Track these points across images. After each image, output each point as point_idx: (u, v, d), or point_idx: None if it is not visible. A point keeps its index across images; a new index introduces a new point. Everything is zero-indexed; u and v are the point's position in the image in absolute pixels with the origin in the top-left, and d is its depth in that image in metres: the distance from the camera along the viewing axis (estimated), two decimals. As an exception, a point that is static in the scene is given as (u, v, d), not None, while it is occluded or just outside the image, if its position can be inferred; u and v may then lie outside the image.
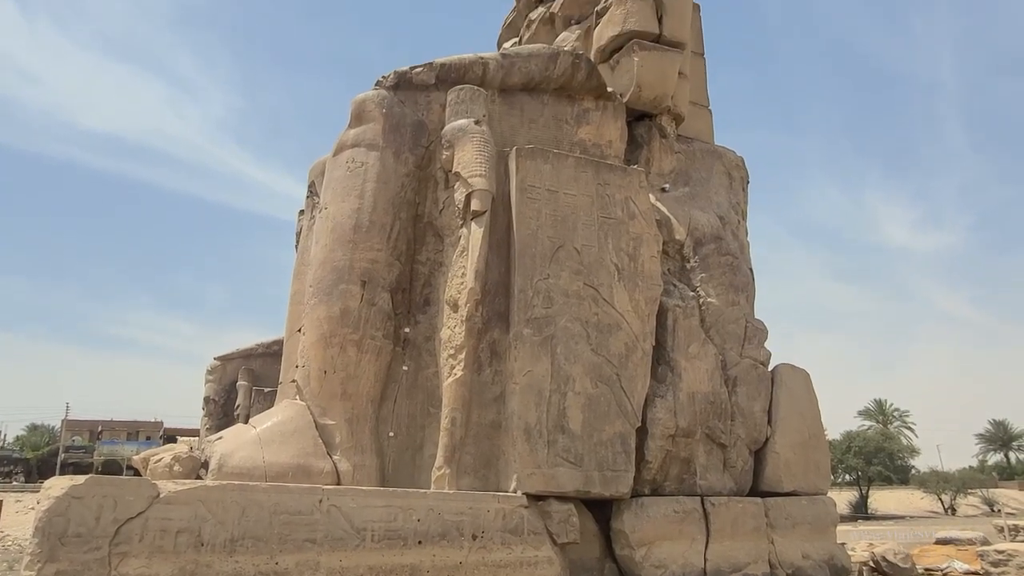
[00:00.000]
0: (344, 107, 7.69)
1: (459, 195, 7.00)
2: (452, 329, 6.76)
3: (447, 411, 6.54)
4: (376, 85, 7.75)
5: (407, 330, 7.12)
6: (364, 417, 6.61)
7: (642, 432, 7.24)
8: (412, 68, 7.85)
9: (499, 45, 12.56)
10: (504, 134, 7.84)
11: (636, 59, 9.11)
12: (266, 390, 10.20)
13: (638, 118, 9.42)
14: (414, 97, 7.74)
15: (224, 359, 11.41)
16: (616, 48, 9.49)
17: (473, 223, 6.84)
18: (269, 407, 8.30)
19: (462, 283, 6.74)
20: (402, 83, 7.75)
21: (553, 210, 7.21)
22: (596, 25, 9.85)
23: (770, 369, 8.64)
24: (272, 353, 10.61)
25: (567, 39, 10.35)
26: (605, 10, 9.70)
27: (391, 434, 6.79)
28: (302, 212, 9.44)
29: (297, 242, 9.26)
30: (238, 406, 10.64)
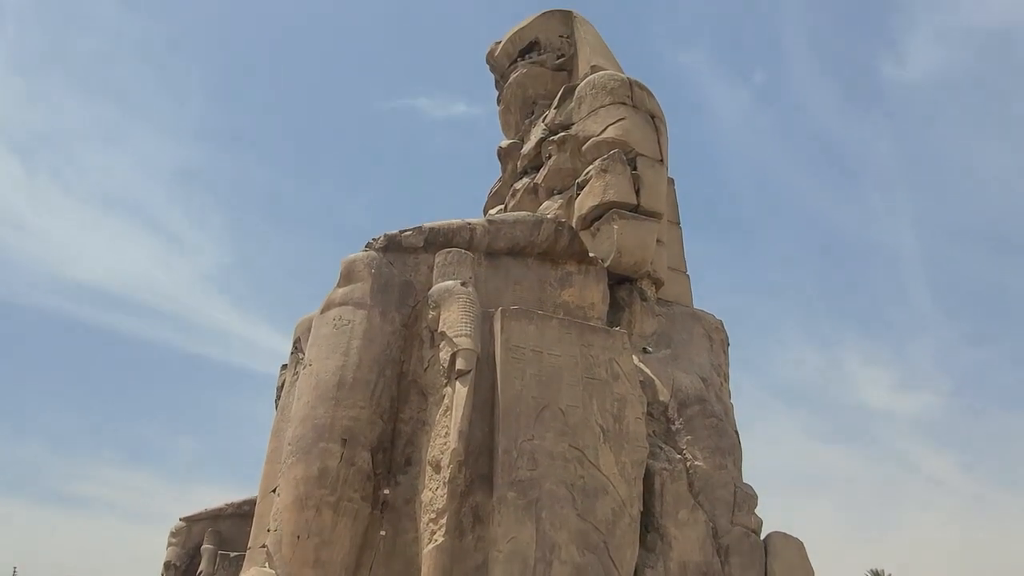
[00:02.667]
0: (331, 265, 7.94)
1: (444, 354, 7.04)
2: (434, 491, 6.55)
3: (426, 581, 6.17)
4: (366, 247, 8.03)
5: (386, 492, 6.89)
6: (337, 588, 6.22)
7: (631, 606, 6.83)
8: (402, 232, 8.18)
9: (485, 212, 13.20)
10: (489, 295, 8.04)
11: (616, 227, 9.60)
12: (233, 555, 9.60)
13: (619, 282, 9.75)
14: (403, 259, 8.01)
15: (190, 520, 10.83)
16: (597, 217, 10.01)
17: (458, 382, 6.83)
18: (235, 574, 7.80)
19: (445, 443, 6.62)
20: (391, 245, 8.04)
21: (538, 370, 7.24)
22: (577, 195, 10.46)
23: (762, 537, 8.34)
24: (242, 514, 10.11)
25: (550, 207, 10.93)
26: (585, 182, 10.34)
27: (364, 607, 6.36)
28: (285, 367, 9.42)
29: (278, 397, 9.16)
30: (201, 572, 9.97)
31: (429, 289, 7.66)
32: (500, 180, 13.35)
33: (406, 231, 8.20)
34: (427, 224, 8.32)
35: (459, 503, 6.48)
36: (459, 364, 6.85)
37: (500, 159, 13.39)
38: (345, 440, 6.68)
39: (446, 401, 6.87)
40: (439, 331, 7.21)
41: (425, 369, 7.40)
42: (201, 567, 9.97)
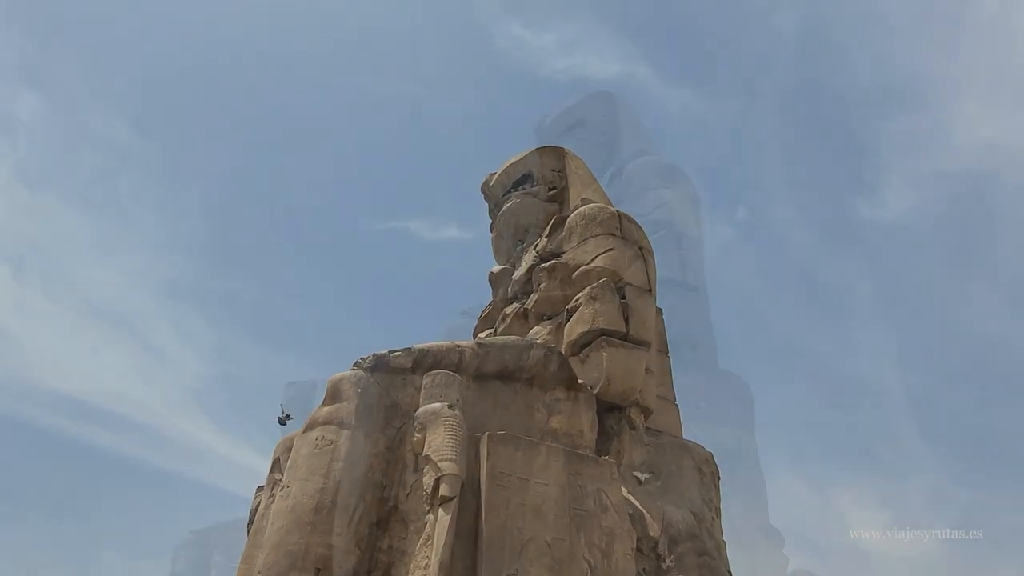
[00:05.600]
0: (314, 385, 7.83)
1: (428, 479, 6.83)
2: (409, 630, 6.15)
3: None
4: (354, 366, 7.96)
5: (359, 629, 6.45)
6: None
7: None
8: (391, 352, 8.15)
9: (475, 335, 13.23)
10: (476, 419, 7.91)
11: (605, 354, 9.60)
12: None
13: (608, 410, 9.64)
14: (390, 379, 7.92)
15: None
16: (586, 343, 10.04)
17: (440, 509, 6.58)
18: None
19: (425, 575, 6.28)
20: (380, 365, 7.98)
21: (523, 499, 7.00)
22: (567, 321, 10.53)
23: None
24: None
25: (539, 332, 10.97)
26: (575, 309, 10.45)
27: None
28: (261, 488, 9.06)
29: (251, 521, 8.74)
30: None
31: (416, 410, 7.53)
32: (491, 304, 13.49)
33: (395, 351, 8.16)
34: (416, 345, 8.30)
35: (436, 643, 6.06)
36: (443, 490, 6.63)
37: (491, 284, 13.60)
38: (319, 569, 6.34)
39: (427, 530, 6.59)
40: (423, 454, 7.02)
41: (408, 495, 7.14)
42: None
